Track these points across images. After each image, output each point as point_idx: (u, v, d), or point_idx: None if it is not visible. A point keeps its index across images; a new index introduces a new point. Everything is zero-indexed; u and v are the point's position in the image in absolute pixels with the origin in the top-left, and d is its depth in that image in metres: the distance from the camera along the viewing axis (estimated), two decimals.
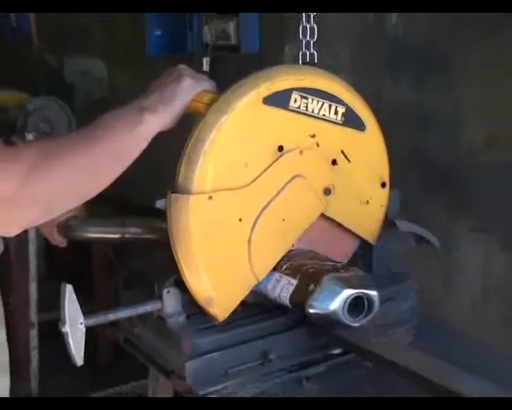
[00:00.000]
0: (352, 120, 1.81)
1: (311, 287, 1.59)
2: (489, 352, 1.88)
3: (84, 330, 1.53)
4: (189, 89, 1.67)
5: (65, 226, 1.88)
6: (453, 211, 2.61)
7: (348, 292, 1.56)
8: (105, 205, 2.42)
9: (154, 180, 4.06)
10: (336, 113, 1.78)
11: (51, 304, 1.78)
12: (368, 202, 1.88)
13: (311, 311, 1.58)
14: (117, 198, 2.67)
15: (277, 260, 1.74)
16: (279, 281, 1.69)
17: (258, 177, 1.69)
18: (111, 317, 1.61)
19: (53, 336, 1.60)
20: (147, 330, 1.77)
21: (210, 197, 1.63)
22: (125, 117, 1.58)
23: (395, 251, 1.98)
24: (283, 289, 1.67)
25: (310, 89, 1.73)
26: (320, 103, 1.75)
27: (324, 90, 1.75)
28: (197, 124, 1.66)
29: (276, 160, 1.70)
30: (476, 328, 2.55)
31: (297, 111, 1.72)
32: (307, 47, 2.15)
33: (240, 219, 1.67)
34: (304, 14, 2.12)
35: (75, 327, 1.51)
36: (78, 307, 1.52)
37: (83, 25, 4.96)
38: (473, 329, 2.55)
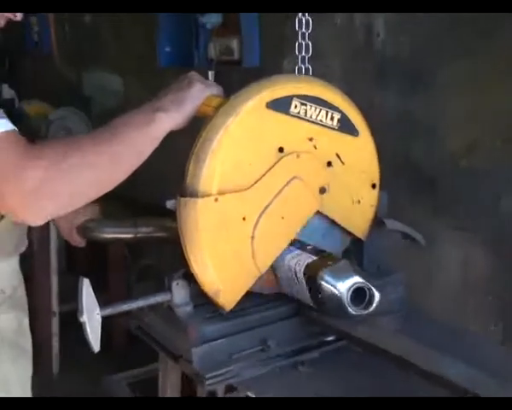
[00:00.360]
0: (346, 126, 1.82)
1: (329, 263, 1.61)
2: (470, 338, 1.89)
3: (100, 319, 1.53)
4: (199, 92, 1.68)
5: (83, 228, 1.89)
6: (437, 211, 2.61)
7: (358, 279, 1.56)
8: (118, 204, 2.42)
9: (164, 181, 4.06)
10: (332, 119, 1.79)
11: (71, 296, 1.78)
12: (359, 201, 1.88)
13: (322, 282, 1.57)
14: (130, 198, 2.67)
15: (278, 253, 1.74)
16: (300, 255, 1.69)
17: (260, 178, 1.70)
18: (125, 307, 1.61)
19: (73, 325, 1.60)
20: (157, 319, 1.77)
21: (216, 199, 1.63)
22: (139, 116, 1.59)
23: (383, 247, 1.98)
24: (301, 260, 1.67)
25: (309, 96, 1.74)
26: (318, 110, 1.76)
27: (322, 98, 1.77)
28: (205, 126, 1.67)
29: (276, 162, 1.72)
30: (457, 319, 2.55)
31: (297, 116, 1.73)
32: (303, 62, 2.16)
33: (243, 218, 1.68)
34: (300, 31, 2.14)
35: (92, 317, 1.51)
36: (95, 299, 1.52)
37: (100, 42, 4.96)
38: (454, 320, 2.54)
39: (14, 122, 1.64)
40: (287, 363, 1.67)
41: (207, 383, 1.57)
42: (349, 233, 1.90)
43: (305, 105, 1.74)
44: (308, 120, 1.75)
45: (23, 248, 1.75)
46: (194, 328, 1.62)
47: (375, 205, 1.92)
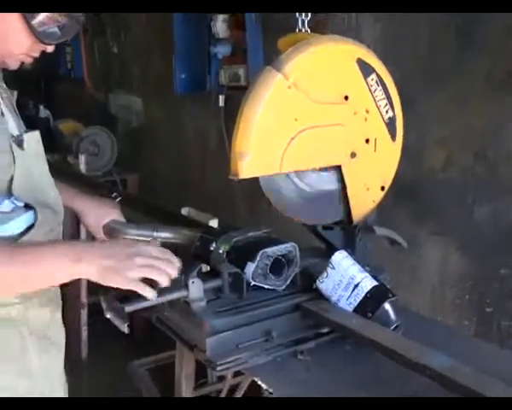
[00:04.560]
0: (391, 126, 1.87)
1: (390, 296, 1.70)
2: (444, 330, 1.88)
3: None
4: (130, 279, 1.38)
5: (108, 228, 1.88)
6: (417, 218, 2.60)
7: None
8: (141, 210, 2.41)
9: (180, 194, 4.06)
10: (387, 112, 1.85)
11: (97, 293, 1.76)
12: (368, 189, 1.91)
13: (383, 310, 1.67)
14: (152, 205, 2.66)
15: (300, 168, 1.78)
16: (363, 272, 1.72)
17: (324, 104, 1.74)
18: (146, 303, 1.58)
19: (100, 314, 1.58)
20: (175, 313, 1.74)
21: (289, 87, 1.66)
22: (62, 261, 1.37)
23: (372, 249, 1.97)
24: (368, 279, 1.70)
25: (383, 82, 1.82)
26: (383, 97, 1.83)
27: (390, 92, 1.84)
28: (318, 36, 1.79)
29: (339, 103, 1.77)
30: (435, 311, 2.54)
31: (369, 87, 1.79)
32: None
33: (296, 120, 1.70)
34: (300, 18, 2.14)
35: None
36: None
37: (124, 68, 4.97)
38: (432, 312, 2.54)
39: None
40: (287, 352, 1.65)
41: (218, 369, 1.56)
42: (343, 211, 1.91)
43: (378, 85, 1.80)
44: (373, 96, 1.81)
45: None
46: (207, 321, 1.61)
47: (376, 203, 1.93)
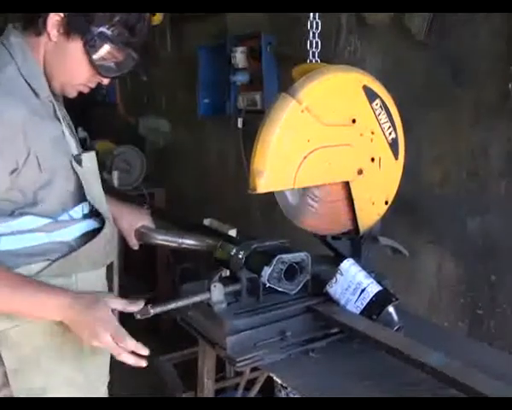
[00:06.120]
0: (394, 146, 1.87)
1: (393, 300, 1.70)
2: (441, 330, 1.86)
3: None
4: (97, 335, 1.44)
5: (140, 232, 1.88)
6: (416, 229, 2.57)
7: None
8: (168, 221, 2.40)
9: (202, 206, 4.06)
10: (390, 134, 1.85)
11: (128, 291, 1.75)
12: (373, 203, 1.90)
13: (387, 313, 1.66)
14: (178, 216, 2.66)
15: (311, 184, 1.77)
16: (368, 278, 1.71)
17: (333, 126, 1.73)
18: (173, 306, 1.57)
19: (130, 315, 1.57)
20: (198, 313, 1.74)
21: (302, 111, 1.66)
22: (50, 308, 1.40)
23: (376, 257, 1.95)
24: (373, 285, 1.69)
25: (387, 106, 1.82)
26: (386, 120, 1.82)
27: (392, 115, 1.84)
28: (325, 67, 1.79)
29: (347, 125, 1.76)
30: (432, 313, 2.51)
31: (374, 110, 1.79)
32: (313, 56, 2.16)
33: (308, 140, 1.70)
34: (311, 31, 2.14)
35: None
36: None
37: (153, 94, 4.98)
38: (429, 314, 2.50)
39: None
40: (300, 350, 1.64)
41: (238, 365, 1.55)
42: (351, 223, 1.90)
43: (382, 109, 1.80)
44: (377, 120, 1.80)
45: (110, 261, 1.68)
46: (227, 321, 1.60)
47: (381, 216, 1.92)
